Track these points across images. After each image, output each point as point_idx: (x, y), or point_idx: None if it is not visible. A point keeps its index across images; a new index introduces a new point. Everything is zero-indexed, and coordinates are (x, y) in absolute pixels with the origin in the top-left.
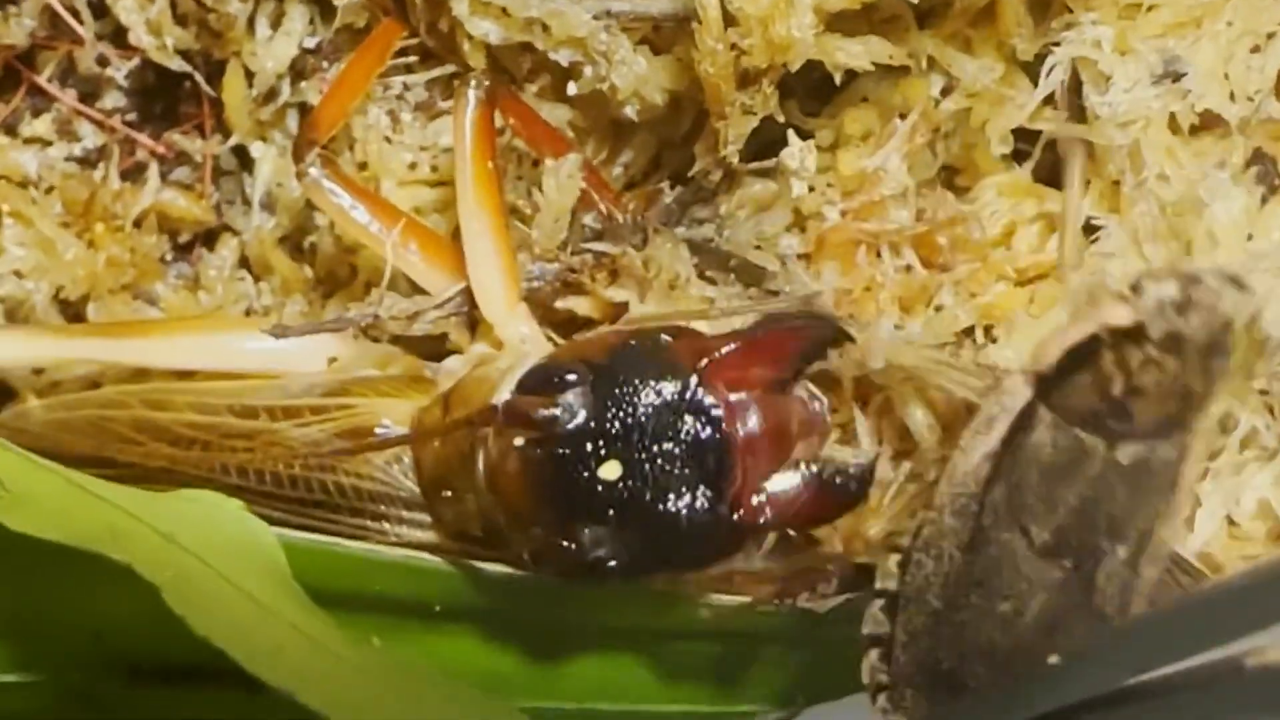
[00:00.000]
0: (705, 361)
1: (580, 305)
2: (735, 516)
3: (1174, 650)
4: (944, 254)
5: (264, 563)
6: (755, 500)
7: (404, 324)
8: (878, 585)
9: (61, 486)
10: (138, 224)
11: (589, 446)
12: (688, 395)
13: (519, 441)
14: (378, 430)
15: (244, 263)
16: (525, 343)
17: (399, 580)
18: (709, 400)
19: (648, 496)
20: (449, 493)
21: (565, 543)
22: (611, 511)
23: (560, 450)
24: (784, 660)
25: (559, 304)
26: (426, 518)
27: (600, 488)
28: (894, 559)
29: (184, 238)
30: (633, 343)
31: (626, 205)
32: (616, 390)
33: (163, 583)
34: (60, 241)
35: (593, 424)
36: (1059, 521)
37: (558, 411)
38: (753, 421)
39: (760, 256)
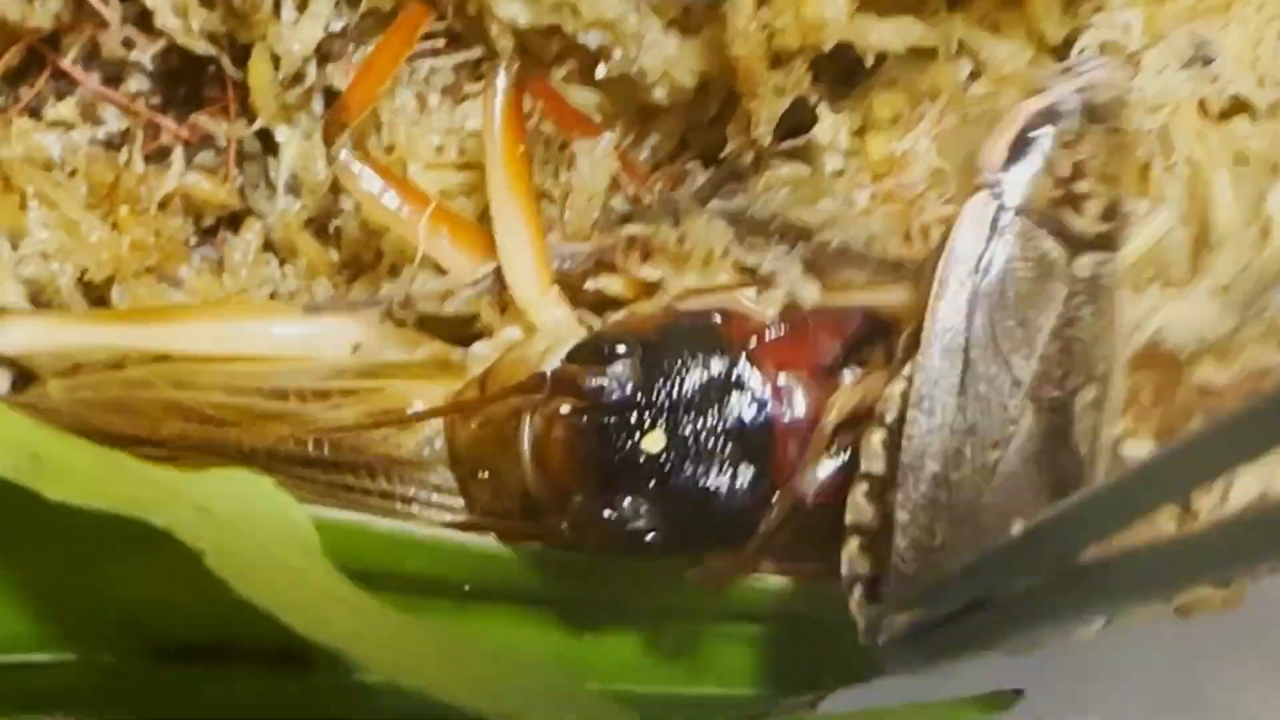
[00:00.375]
0: (754, 342)
1: (613, 285)
2: (774, 496)
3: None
4: None
5: (298, 539)
6: (795, 480)
7: (436, 303)
8: (861, 469)
9: (95, 460)
10: (162, 207)
11: (634, 417)
12: (735, 374)
13: (565, 409)
14: (409, 412)
15: (268, 246)
16: (560, 326)
17: (430, 559)
18: (756, 380)
19: (689, 470)
20: (485, 473)
21: (606, 512)
22: (653, 483)
23: (606, 419)
24: (815, 643)
25: (590, 284)
26: (458, 500)
27: (643, 459)
28: (878, 436)
29: (208, 222)
30: (683, 321)
31: (653, 186)
32: (665, 364)
33: (203, 549)
34: (85, 224)
35: (639, 396)
36: (1037, 351)
37: (606, 381)
38: (797, 403)
39: (806, 212)
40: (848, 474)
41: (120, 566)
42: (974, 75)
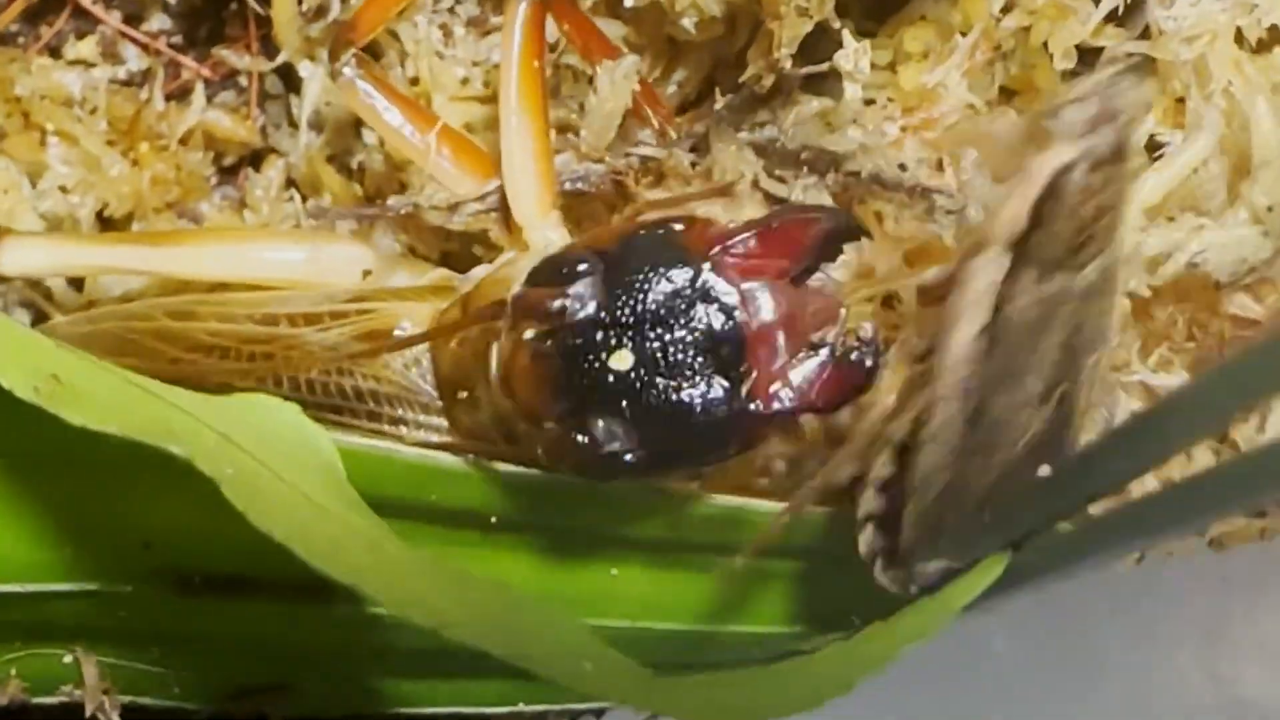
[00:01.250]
0: (718, 249)
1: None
2: (751, 405)
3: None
4: None
5: (320, 467)
6: (771, 387)
7: (443, 215)
8: (872, 474)
9: (118, 384)
10: (183, 143)
11: (599, 336)
12: (699, 283)
13: (529, 334)
14: (396, 332)
15: (290, 185)
16: (551, 248)
17: (455, 489)
18: (721, 287)
19: (660, 386)
20: (465, 394)
21: (579, 437)
22: (625, 403)
23: (570, 341)
24: (844, 580)
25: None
26: (443, 421)
27: (612, 378)
28: (887, 454)
29: (229, 160)
30: (643, 231)
31: (681, 126)
32: (627, 279)
33: (222, 478)
34: (105, 159)
35: (603, 314)
36: (1048, 368)
37: (567, 302)
38: (765, 309)
39: (834, 141)
40: (827, 371)
41: (142, 496)
42: (1005, 10)
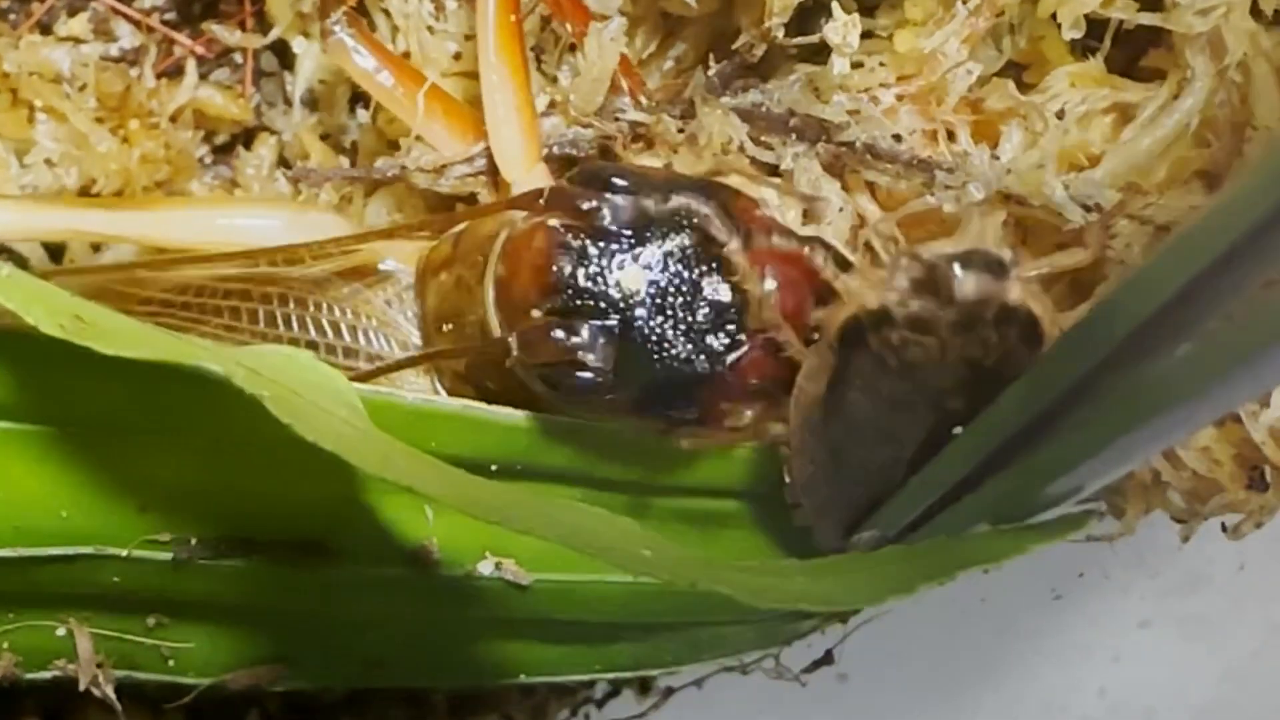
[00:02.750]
0: (760, 232)
1: None
2: (729, 377)
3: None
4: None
5: (346, 405)
6: (754, 368)
7: (430, 177)
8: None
9: (137, 325)
10: (173, 121)
11: (618, 248)
12: (729, 250)
13: (554, 222)
14: (380, 268)
15: (282, 164)
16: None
17: (455, 434)
18: (744, 266)
19: (655, 320)
20: (448, 326)
21: (559, 334)
22: (616, 319)
23: (591, 241)
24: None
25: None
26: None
27: (615, 292)
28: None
29: (221, 139)
30: (694, 183)
31: (655, 93)
32: (664, 213)
33: (264, 397)
34: (93, 136)
35: (630, 232)
36: (906, 430)
37: (603, 206)
38: (774, 303)
39: (824, 109)
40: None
41: (138, 459)
42: None
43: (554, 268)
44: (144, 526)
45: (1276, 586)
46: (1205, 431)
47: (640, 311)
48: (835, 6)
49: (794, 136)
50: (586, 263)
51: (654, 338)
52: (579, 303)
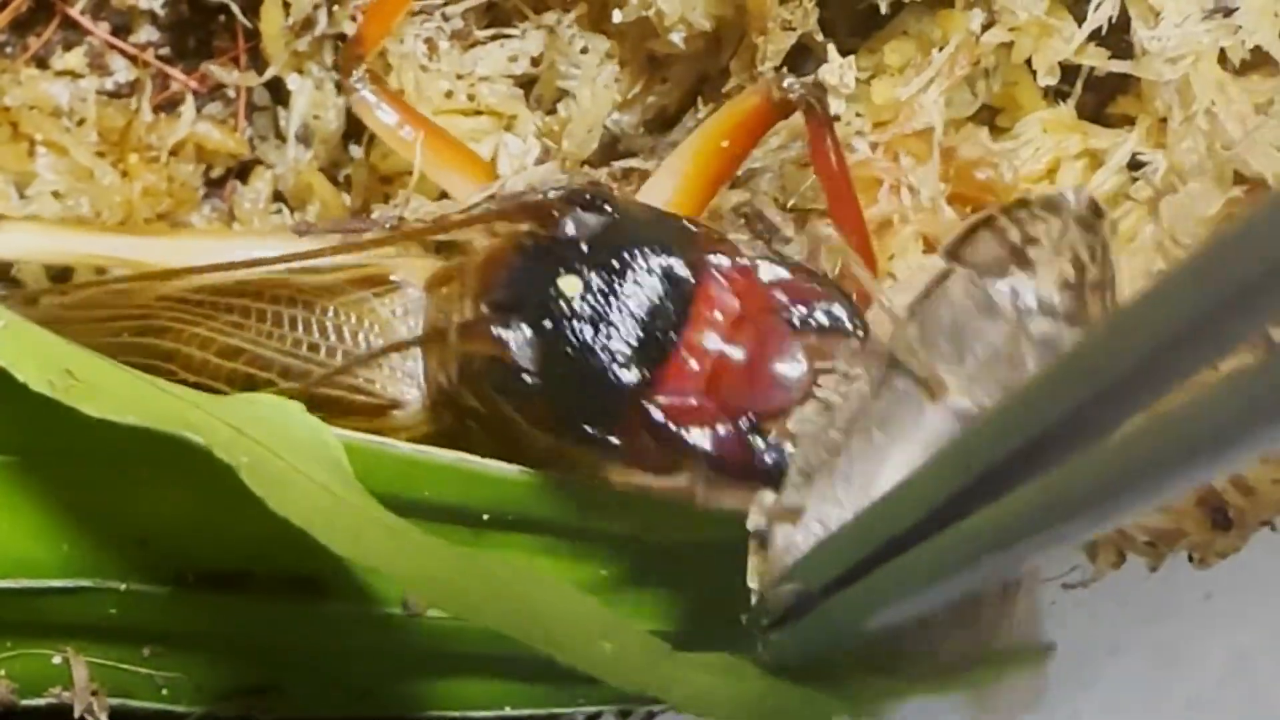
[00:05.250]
0: (721, 273)
1: None
2: (647, 405)
3: None
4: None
5: (329, 461)
6: (674, 406)
7: (429, 227)
8: None
9: (129, 379)
10: (173, 154)
11: (567, 256)
12: (678, 277)
13: (525, 227)
14: (391, 279)
15: (278, 197)
16: None
17: (446, 484)
18: (695, 294)
19: (584, 330)
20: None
21: (494, 327)
22: (548, 323)
23: (542, 247)
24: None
25: None
26: (418, 366)
27: (551, 293)
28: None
29: (217, 172)
30: (666, 217)
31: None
32: (629, 237)
33: (239, 465)
34: (98, 169)
35: (585, 246)
36: (965, 371)
37: (571, 220)
38: (718, 341)
39: (778, 216)
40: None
41: (139, 493)
42: (986, 26)
43: (505, 264)
44: (144, 560)
45: (1242, 615)
46: None
47: (575, 323)
48: (831, 49)
49: (742, 222)
50: (536, 265)
51: (580, 346)
52: (519, 301)
